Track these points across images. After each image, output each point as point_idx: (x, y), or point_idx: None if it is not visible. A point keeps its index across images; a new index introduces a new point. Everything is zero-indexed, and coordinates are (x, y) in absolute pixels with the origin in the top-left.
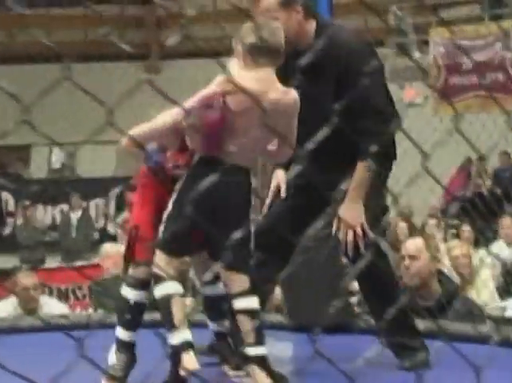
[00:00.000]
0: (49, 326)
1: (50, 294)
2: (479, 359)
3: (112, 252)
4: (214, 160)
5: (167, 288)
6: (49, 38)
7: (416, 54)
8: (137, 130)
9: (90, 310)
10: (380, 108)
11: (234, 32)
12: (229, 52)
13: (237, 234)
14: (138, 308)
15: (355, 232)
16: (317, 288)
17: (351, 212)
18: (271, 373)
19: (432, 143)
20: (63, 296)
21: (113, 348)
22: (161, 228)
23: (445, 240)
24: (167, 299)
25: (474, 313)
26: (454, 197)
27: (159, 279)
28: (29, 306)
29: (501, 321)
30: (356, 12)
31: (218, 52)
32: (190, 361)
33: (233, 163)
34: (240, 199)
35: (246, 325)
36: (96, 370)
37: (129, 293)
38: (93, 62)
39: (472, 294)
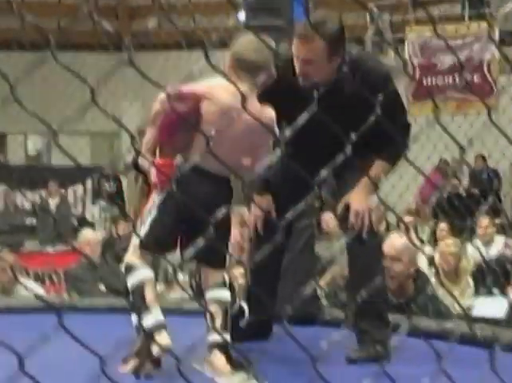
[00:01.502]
0: (26, 308)
1: (27, 277)
2: (441, 354)
3: (90, 239)
4: (199, 169)
5: (140, 274)
6: (22, 25)
7: (391, 53)
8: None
9: (64, 295)
10: (407, 123)
11: (208, 24)
12: (202, 44)
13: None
14: None
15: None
16: (290, 279)
17: (361, 197)
18: (231, 360)
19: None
20: (39, 280)
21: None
22: (144, 229)
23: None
24: (141, 285)
25: (442, 311)
26: (432, 198)
27: (131, 268)
28: (5, 287)
29: (468, 319)
30: (332, 8)
31: (192, 44)
32: (163, 338)
33: (213, 172)
34: (220, 205)
35: (214, 312)
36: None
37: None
38: (64, 51)
39: (455, 291)
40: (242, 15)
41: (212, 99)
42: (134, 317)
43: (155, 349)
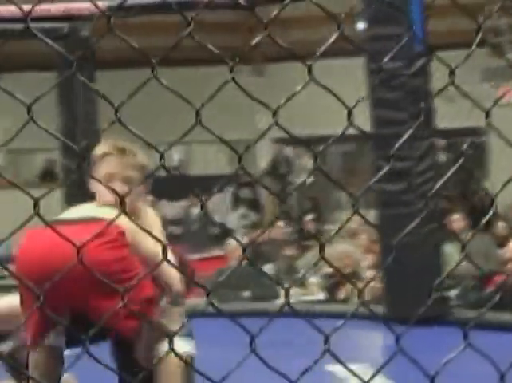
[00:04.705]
0: None
1: None
2: None
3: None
4: None
5: None
6: (142, 43)
7: (510, 54)
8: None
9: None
10: None
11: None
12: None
13: None
14: None
15: None
16: (419, 280)
17: None
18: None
19: None
20: None
21: None
22: None
23: None
24: None
25: None
26: None
27: None
28: None
29: None
30: (448, 13)
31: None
32: None
33: None
34: None
35: None
36: None
37: None
38: (188, 67)
39: None
40: (361, 24)
41: None
42: None
43: None
